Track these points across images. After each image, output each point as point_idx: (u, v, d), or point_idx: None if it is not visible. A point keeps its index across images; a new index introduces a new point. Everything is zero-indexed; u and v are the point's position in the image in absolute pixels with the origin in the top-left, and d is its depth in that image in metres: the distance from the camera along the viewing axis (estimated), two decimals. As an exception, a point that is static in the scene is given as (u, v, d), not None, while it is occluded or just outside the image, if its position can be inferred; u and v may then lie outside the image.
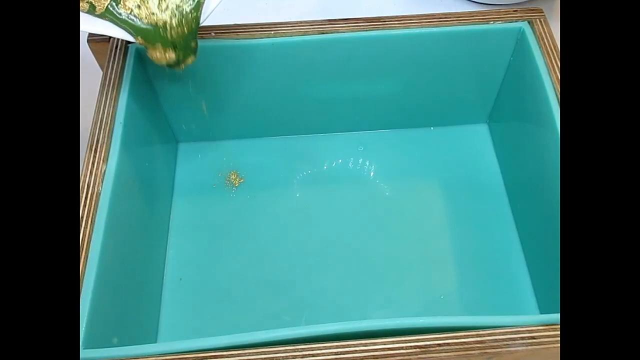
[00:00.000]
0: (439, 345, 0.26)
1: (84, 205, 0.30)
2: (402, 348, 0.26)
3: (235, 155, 0.44)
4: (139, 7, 0.34)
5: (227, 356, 0.25)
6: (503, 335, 0.26)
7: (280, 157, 0.45)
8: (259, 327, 0.27)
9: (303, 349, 0.26)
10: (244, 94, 0.41)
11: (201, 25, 0.34)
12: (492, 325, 0.26)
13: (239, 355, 0.25)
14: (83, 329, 0.26)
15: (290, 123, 0.44)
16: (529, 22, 0.38)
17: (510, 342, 0.26)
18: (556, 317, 0.27)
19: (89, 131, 0.33)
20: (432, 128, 0.46)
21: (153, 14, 0.34)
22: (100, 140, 0.32)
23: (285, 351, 0.26)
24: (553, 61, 0.36)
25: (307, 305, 0.38)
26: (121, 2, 0.34)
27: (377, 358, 0.26)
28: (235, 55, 0.38)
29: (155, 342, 0.36)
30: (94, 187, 0.31)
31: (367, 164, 0.44)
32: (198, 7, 0.34)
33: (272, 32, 0.37)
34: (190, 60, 0.35)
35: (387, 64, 0.40)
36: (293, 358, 0.25)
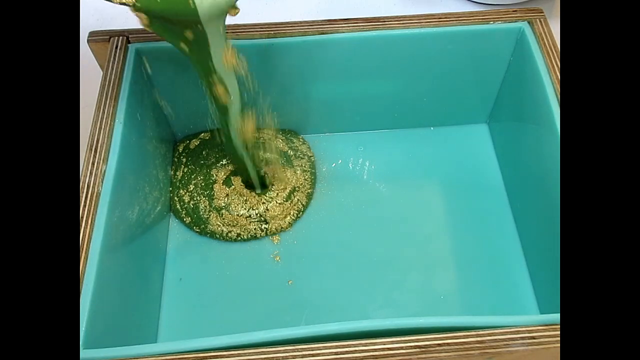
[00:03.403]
0: (439, 345, 0.26)
1: (84, 205, 0.30)
2: (402, 348, 0.26)
3: (235, 155, 0.44)
4: None
5: (227, 356, 0.25)
6: (503, 335, 0.26)
7: (280, 157, 0.45)
8: (259, 327, 0.27)
9: (303, 349, 0.26)
10: (243, 94, 0.41)
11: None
12: (492, 325, 0.26)
13: (239, 355, 0.25)
14: (83, 329, 0.26)
15: (290, 123, 0.44)
16: (529, 22, 0.38)
17: (510, 342, 0.26)
18: (556, 317, 0.27)
19: (89, 131, 0.33)
20: (432, 128, 0.46)
21: None
22: (100, 140, 0.32)
23: (285, 351, 0.26)
24: (553, 61, 0.36)
25: (307, 305, 0.38)
26: None
27: (377, 358, 0.26)
28: (235, 55, 0.38)
29: (155, 342, 0.36)
30: (94, 187, 0.31)
31: (367, 164, 0.44)
32: None
33: (272, 32, 0.37)
34: None
35: (387, 64, 0.40)
36: (293, 358, 0.25)
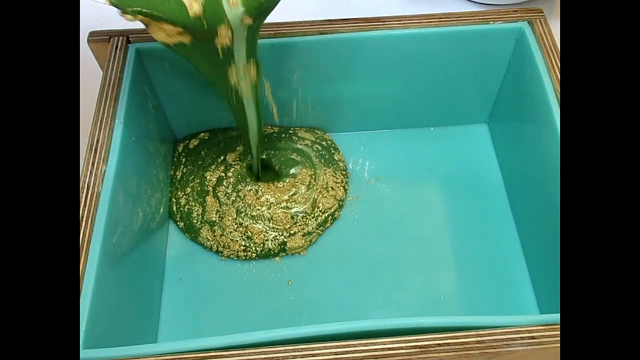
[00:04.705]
0: (439, 345, 0.26)
1: (84, 205, 0.30)
2: (402, 348, 0.26)
3: (235, 155, 0.44)
4: None
5: (227, 356, 0.25)
6: (503, 335, 0.26)
7: (280, 157, 0.44)
8: (259, 327, 0.27)
9: (303, 349, 0.26)
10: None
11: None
12: (492, 325, 0.26)
13: (239, 355, 0.25)
14: (83, 329, 0.26)
15: (290, 123, 0.44)
16: (529, 22, 0.38)
17: (510, 342, 0.26)
18: (556, 317, 0.27)
19: (89, 131, 0.33)
20: (432, 128, 0.46)
21: None
22: (100, 140, 0.32)
23: (285, 351, 0.26)
24: (553, 61, 0.36)
25: (307, 305, 0.38)
26: None
27: (377, 358, 0.26)
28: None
29: (155, 342, 0.36)
30: (94, 187, 0.31)
31: (367, 164, 0.44)
32: None
33: (272, 32, 0.37)
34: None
35: (387, 64, 0.40)
36: (293, 358, 0.25)
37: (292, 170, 0.42)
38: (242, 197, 0.40)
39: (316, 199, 0.41)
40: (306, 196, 0.41)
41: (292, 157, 0.42)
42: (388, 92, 0.42)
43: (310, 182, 0.41)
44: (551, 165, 0.34)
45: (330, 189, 0.41)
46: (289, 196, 0.40)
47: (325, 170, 0.42)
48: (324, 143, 0.44)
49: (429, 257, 0.39)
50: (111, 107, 0.34)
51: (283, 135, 0.44)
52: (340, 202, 0.41)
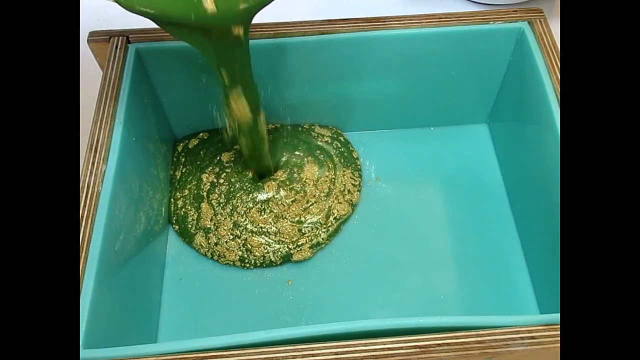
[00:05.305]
0: (439, 345, 0.26)
1: (84, 205, 0.30)
2: (402, 348, 0.26)
3: (235, 155, 0.44)
4: None
5: (227, 356, 0.25)
6: (503, 335, 0.26)
7: (280, 157, 0.44)
8: (259, 327, 0.27)
9: (303, 349, 0.26)
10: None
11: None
12: (492, 325, 0.26)
13: (239, 355, 0.25)
14: (83, 329, 0.26)
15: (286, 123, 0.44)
16: (529, 22, 0.38)
17: (510, 342, 0.26)
18: (556, 317, 0.27)
19: (89, 131, 0.33)
20: (432, 128, 0.46)
21: None
22: (100, 140, 0.32)
23: (285, 351, 0.26)
24: (553, 61, 0.36)
25: (307, 305, 0.38)
26: None
27: (377, 358, 0.26)
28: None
29: (155, 342, 0.36)
30: (94, 187, 0.31)
31: (367, 164, 0.44)
32: None
33: (272, 32, 0.37)
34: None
35: (387, 64, 0.40)
36: (293, 358, 0.25)
37: (317, 174, 0.41)
38: (241, 213, 0.39)
39: (331, 206, 0.40)
40: (321, 206, 0.40)
41: (315, 154, 0.42)
42: (388, 92, 0.42)
43: (329, 188, 0.41)
44: (551, 165, 0.34)
45: (347, 192, 0.41)
46: (304, 208, 0.40)
47: (344, 171, 0.42)
48: (341, 138, 0.44)
49: (429, 257, 0.39)
50: (111, 107, 0.34)
51: (300, 129, 0.43)
52: (354, 208, 0.41)
